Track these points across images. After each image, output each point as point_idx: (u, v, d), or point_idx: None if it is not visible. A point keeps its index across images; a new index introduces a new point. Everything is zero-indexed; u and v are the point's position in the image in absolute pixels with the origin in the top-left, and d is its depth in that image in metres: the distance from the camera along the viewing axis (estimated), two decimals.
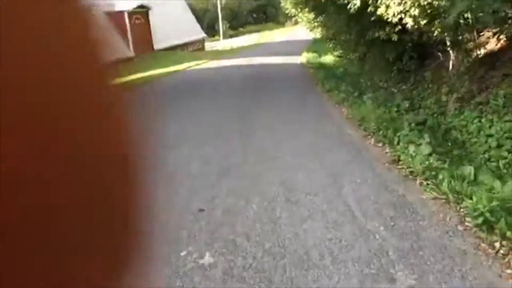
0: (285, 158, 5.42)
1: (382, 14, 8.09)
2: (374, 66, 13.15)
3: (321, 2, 14.71)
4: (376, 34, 9.26)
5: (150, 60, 26.37)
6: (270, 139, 6.29)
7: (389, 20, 8.15)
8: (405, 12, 7.56)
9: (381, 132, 5.95)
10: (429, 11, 7.09)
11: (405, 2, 7.35)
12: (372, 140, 5.86)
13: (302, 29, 47.61)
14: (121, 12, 27.63)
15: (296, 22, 62.20)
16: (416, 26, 7.70)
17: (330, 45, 20.01)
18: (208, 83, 14.01)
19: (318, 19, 17.26)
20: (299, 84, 12.46)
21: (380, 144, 5.66)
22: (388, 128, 5.97)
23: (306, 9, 19.58)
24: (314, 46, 28.26)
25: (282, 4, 28.68)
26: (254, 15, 68.91)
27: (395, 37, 8.97)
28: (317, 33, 22.65)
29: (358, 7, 8.62)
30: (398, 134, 5.72)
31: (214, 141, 6.43)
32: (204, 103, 9.97)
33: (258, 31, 56.42)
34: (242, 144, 6.14)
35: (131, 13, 28.03)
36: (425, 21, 7.32)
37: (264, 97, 10.30)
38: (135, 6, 28.45)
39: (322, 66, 16.81)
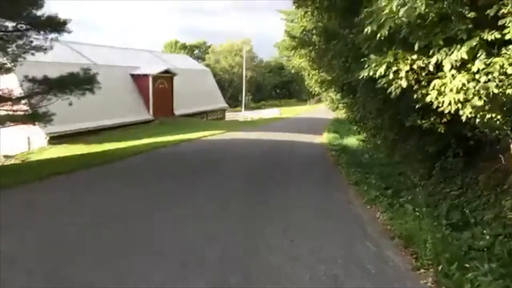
0: None
1: (432, 101, 6.41)
2: (407, 158, 11.35)
3: (350, 83, 13.40)
4: (418, 122, 7.56)
5: (167, 125, 25.28)
6: (277, 259, 4.40)
7: (439, 108, 6.44)
8: (464, 102, 5.87)
9: (440, 267, 4.01)
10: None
11: (467, 89, 5.68)
12: (430, 279, 3.90)
13: (324, 108, 47.22)
14: (146, 76, 27.16)
15: (319, 100, 62.34)
16: (476, 119, 5.97)
17: (355, 128, 18.54)
18: (217, 159, 12.35)
19: (344, 100, 15.89)
20: (320, 172, 10.67)
21: None
22: (451, 262, 4.04)
23: (332, 89, 18.41)
24: (336, 126, 26.93)
25: (307, 82, 28.03)
26: (278, 90, 69.38)
27: (442, 129, 7.23)
28: (341, 114, 21.35)
29: (400, 91, 6.95)
30: (469, 275, 3.78)
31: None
32: (203, 188, 8.30)
33: (280, 105, 56.09)
34: (233, 270, 4.21)
35: (155, 77, 27.50)
36: (492, 115, 5.60)
37: (278, 186, 8.56)
38: (160, 71, 28.01)
39: (344, 150, 15.11)
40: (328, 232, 5.42)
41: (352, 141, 18.78)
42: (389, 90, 6.95)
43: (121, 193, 7.74)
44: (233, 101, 54.86)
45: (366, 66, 6.72)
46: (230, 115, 42.24)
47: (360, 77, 6.54)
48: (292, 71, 27.16)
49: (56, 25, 10.68)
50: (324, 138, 20.25)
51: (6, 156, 19.04)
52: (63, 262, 4.26)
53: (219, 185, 8.76)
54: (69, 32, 11.17)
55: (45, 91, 10.78)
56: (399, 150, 12.11)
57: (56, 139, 20.48)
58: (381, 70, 6.22)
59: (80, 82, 10.91)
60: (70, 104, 11.44)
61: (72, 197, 7.49)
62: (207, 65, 48.43)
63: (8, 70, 12.57)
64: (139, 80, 27.26)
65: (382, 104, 9.12)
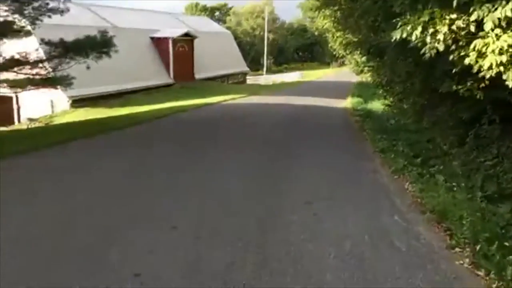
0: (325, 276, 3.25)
1: (471, 63, 5.84)
2: (437, 124, 10.79)
3: (379, 45, 12.66)
4: (453, 88, 6.99)
5: (188, 89, 24.97)
6: (298, 235, 4.11)
7: (480, 72, 5.89)
8: (508, 64, 5.30)
9: (479, 247, 3.64)
10: None
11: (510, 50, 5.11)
12: (467, 260, 3.54)
13: (347, 71, 45.89)
14: (166, 39, 26.62)
15: (342, 64, 60.73)
16: None
17: (380, 92, 17.83)
18: (237, 123, 12.04)
19: (370, 63, 15.16)
20: (344, 138, 10.23)
21: (482, 272, 3.35)
22: (491, 241, 3.67)
23: (357, 51, 17.60)
24: (359, 90, 26.11)
25: (330, 45, 27.01)
26: (300, 53, 67.73)
27: (480, 95, 6.67)
28: (367, 78, 20.56)
29: (435, 53, 6.36)
30: (510, 257, 3.41)
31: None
32: (220, 155, 7.98)
33: (302, 69, 54.86)
34: (250, 241, 3.99)
35: (175, 41, 26.93)
36: None
37: (299, 154, 8.15)
38: (180, 34, 27.39)
39: (369, 115, 14.53)
40: (353, 205, 5.05)
41: (377, 105, 18.11)
42: (422, 52, 6.38)
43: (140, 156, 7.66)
44: (255, 65, 53.88)
45: (398, 26, 6.16)
46: (251, 79, 41.57)
47: (393, 39, 5.99)
48: (316, 33, 26.07)
49: None
50: (348, 102, 19.64)
51: (30, 119, 19.18)
52: None
53: (246, 148, 8.57)
54: None
55: (62, 54, 10.53)
56: (428, 116, 11.53)
57: (78, 102, 20.46)
58: (417, 32, 5.65)
59: (96, 45, 10.59)
60: (88, 67, 11.19)
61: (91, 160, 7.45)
62: (228, 28, 47.32)
63: (28, 33, 12.32)
64: (159, 43, 26.77)
65: (413, 67, 8.55)
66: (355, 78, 34.67)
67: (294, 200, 5.20)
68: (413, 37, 5.68)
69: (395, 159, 7.36)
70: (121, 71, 23.23)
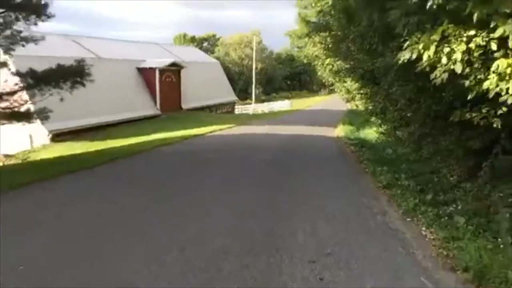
0: None
1: (490, 88, 5.08)
2: (438, 154, 10.03)
3: (373, 71, 12.01)
4: (467, 116, 6.20)
5: (174, 120, 24.12)
6: None
7: (501, 97, 5.13)
8: None
9: None
10: None
11: None
12: None
13: (336, 99, 45.62)
14: (152, 69, 25.95)
15: (331, 91, 60.72)
16: None
17: (372, 120, 17.15)
18: (224, 157, 10.99)
19: (363, 90, 14.51)
20: (343, 171, 9.30)
21: None
22: None
23: (349, 78, 17.02)
24: (350, 118, 25.51)
25: (319, 73, 26.58)
26: (288, 82, 67.78)
27: (498, 123, 5.89)
28: (358, 105, 19.95)
29: (446, 79, 5.55)
30: None
31: None
32: (204, 196, 6.90)
33: (291, 97, 54.60)
34: None
35: (162, 71, 26.28)
36: None
37: (296, 194, 7.14)
38: (167, 64, 26.77)
39: (364, 144, 13.75)
40: (367, 262, 4.09)
41: (369, 134, 17.41)
42: (433, 76, 5.58)
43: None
44: (243, 94, 53.52)
45: (405, 47, 5.40)
46: (240, 108, 40.96)
47: (400, 60, 5.22)
48: (305, 61, 25.65)
49: (34, 8, 9.46)
50: (340, 131, 18.91)
51: (6, 156, 18.03)
52: None
53: (232, 186, 7.58)
54: (50, 16, 9.92)
55: (32, 85, 9.64)
56: (429, 145, 10.78)
57: (60, 135, 19.43)
58: (429, 52, 4.87)
59: (68, 74, 9.72)
60: (61, 99, 10.29)
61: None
62: (217, 58, 47.06)
63: (3, 65, 11.47)
64: (145, 73, 26.08)
65: (415, 93, 7.80)
66: (344, 106, 34.25)
67: (295, 259, 4.20)
68: (425, 58, 4.91)
69: (402, 196, 6.49)
70: (106, 103, 22.41)
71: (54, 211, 5.96)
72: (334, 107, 37.14)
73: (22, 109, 11.20)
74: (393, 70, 8.81)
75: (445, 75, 5.41)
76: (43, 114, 12.29)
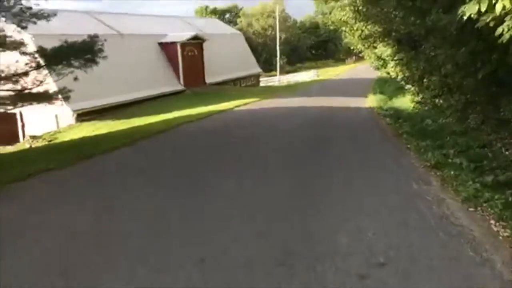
0: None
1: None
2: (488, 124, 8.94)
3: (410, 34, 10.79)
4: None
5: (199, 95, 23.40)
6: None
7: None
8: None
9: None
10: None
11: None
12: None
13: (364, 67, 43.70)
14: (174, 44, 25.08)
15: (358, 59, 58.55)
16: None
17: (408, 88, 15.89)
18: (248, 135, 10.11)
19: (398, 56, 13.26)
20: (382, 148, 8.26)
21: None
22: None
23: (381, 43, 15.71)
24: (380, 86, 24.12)
25: (347, 40, 25.09)
26: (313, 51, 65.59)
27: None
28: (391, 73, 18.60)
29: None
30: None
31: None
32: (224, 185, 6.00)
33: (317, 67, 52.82)
34: None
35: (183, 45, 25.39)
36: None
37: (331, 175, 6.31)
38: (189, 37, 25.82)
39: (400, 115, 12.61)
40: (433, 270, 3.23)
41: (403, 102, 16.20)
42: (499, 32, 4.50)
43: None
44: (268, 66, 52.11)
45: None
46: (265, 81, 39.81)
47: (466, 16, 4.18)
48: (331, 28, 24.17)
49: None
50: (372, 100, 17.72)
51: (33, 137, 17.82)
52: None
53: (253, 172, 6.80)
54: None
55: (42, 64, 8.99)
56: (477, 114, 9.65)
57: (84, 115, 19.07)
58: (505, 1, 3.82)
59: (78, 51, 9.02)
60: (75, 78, 9.64)
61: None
62: (239, 29, 45.63)
63: (20, 45, 10.86)
64: (167, 48, 25.26)
65: (469, 56, 6.68)
66: (373, 74, 32.63)
67: (340, 272, 3.36)
68: (498, 9, 3.86)
69: (457, 178, 5.54)
70: (129, 80, 21.85)
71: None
72: (362, 76, 35.53)
73: (41, 89, 10.70)
74: (438, 31, 7.70)
75: None
76: (63, 94, 11.76)
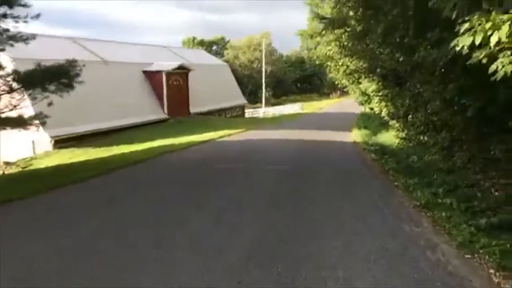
0: None
1: None
2: (475, 163, 8.74)
3: (396, 71, 10.72)
4: None
5: (182, 124, 23.04)
6: None
7: None
8: None
9: None
10: None
11: None
12: None
13: (348, 102, 44.15)
14: (159, 72, 24.90)
15: (342, 94, 59.36)
16: None
17: (392, 124, 15.84)
18: (229, 169, 9.68)
19: (383, 92, 13.19)
20: (369, 186, 7.82)
21: None
22: None
23: (365, 79, 15.72)
24: (364, 121, 24.18)
25: (332, 74, 25.27)
26: (299, 85, 66.37)
27: None
28: (375, 108, 18.60)
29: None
30: None
31: None
32: (201, 221, 5.57)
33: (301, 100, 53.26)
34: None
35: (169, 74, 25.21)
36: None
37: (314, 216, 5.80)
38: (174, 67, 25.68)
39: (385, 151, 12.44)
40: None
41: (388, 138, 16.10)
42: (493, 69, 4.28)
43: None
44: (253, 97, 52.35)
45: (462, 31, 4.13)
46: (250, 112, 39.77)
47: (458, 48, 3.96)
48: (316, 62, 24.37)
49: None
50: (356, 135, 17.60)
51: (7, 163, 17.04)
52: None
53: (230, 210, 6.35)
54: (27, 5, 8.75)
55: (14, 88, 8.55)
56: (463, 153, 9.45)
57: (62, 142, 18.41)
58: (501, 34, 3.62)
59: (52, 75, 8.61)
60: (50, 104, 9.19)
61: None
62: (226, 61, 45.94)
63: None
64: (152, 77, 25.05)
65: (458, 93, 6.50)
66: (357, 109, 32.88)
67: None
68: (493, 41, 3.64)
69: (449, 220, 5.22)
70: (111, 107, 21.41)
71: None
72: (346, 110, 35.81)
73: (15, 114, 10.20)
74: (426, 67, 7.58)
75: (510, 68, 4.14)
76: (40, 120, 11.26)
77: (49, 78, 8.70)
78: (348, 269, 3.93)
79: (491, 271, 3.75)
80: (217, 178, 8.79)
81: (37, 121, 11.58)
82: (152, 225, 5.48)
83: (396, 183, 7.74)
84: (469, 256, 4.11)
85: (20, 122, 9.89)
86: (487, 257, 4.01)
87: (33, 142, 18.55)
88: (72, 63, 9.19)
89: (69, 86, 9.06)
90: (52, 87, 8.83)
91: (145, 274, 3.89)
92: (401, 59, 8.69)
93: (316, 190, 7.61)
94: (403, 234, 4.87)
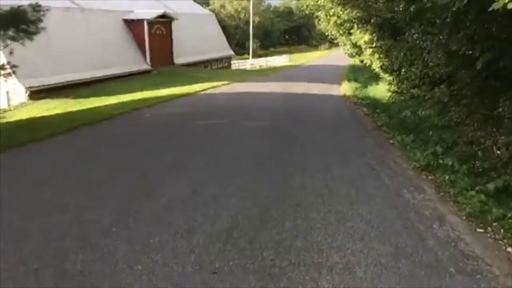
0: None
1: None
2: (472, 118, 8.20)
3: (391, 21, 9.86)
4: None
5: (165, 76, 21.93)
6: None
7: None
8: None
9: None
10: None
11: None
12: None
13: (337, 54, 42.93)
14: (140, 21, 23.36)
15: (331, 46, 57.87)
16: None
17: (385, 76, 15.10)
18: (214, 124, 8.92)
19: (377, 43, 12.32)
20: (362, 143, 7.16)
21: None
22: None
23: (358, 30, 14.74)
24: (354, 74, 23.32)
25: (321, 26, 24.03)
26: (287, 36, 64.32)
27: None
28: (366, 60, 17.75)
29: None
30: None
31: None
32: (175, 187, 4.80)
33: (289, 52, 51.73)
34: None
35: (151, 23, 23.70)
36: None
37: (301, 183, 5.01)
38: (156, 15, 24.10)
39: (376, 105, 11.80)
40: None
41: (378, 91, 15.42)
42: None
43: None
44: (240, 49, 50.62)
45: None
46: (237, 63, 38.43)
47: None
48: (306, 12, 23.10)
49: None
50: (346, 88, 16.87)
51: None
52: None
53: (215, 168, 5.70)
54: None
55: None
56: (461, 108, 8.86)
57: (40, 93, 17.32)
58: None
59: (10, 22, 7.51)
60: (11, 52, 8.17)
61: None
62: (212, 11, 43.76)
63: None
64: (133, 26, 23.52)
65: (466, 43, 5.77)
66: (346, 61, 31.93)
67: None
68: None
69: (454, 185, 4.66)
70: (91, 57, 20.12)
71: None
72: (335, 62, 34.79)
73: None
74: (426, 17, 6.80)
75: None
76: (7, 69, 10.26)
77: (5, 24, 7.61)
78: (347, 256, 3.28)
79: (509, 249, 3.21)
80: (199, 134, 8.05)
81: (7, 71, 10.58)
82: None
83: (391, 141, 7.13)
84: (481, 230, 3.57)
85: None
86: (502, 231, 3.47)
87: (7, 93, 17.44)
88: (35, 8, 8.06)
89: (29, 33, 7.98)
90: (10, 33, 7.77)
91: None
92: (400, 7, 7.83)
93: (304, 151, 6.85)
94: (404, 203, 4.27)
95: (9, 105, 17.37)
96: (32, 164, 6.06)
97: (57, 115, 11.90)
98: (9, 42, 8.07)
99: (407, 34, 8.80)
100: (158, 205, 4.26)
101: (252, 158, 6.28)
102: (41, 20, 8.06)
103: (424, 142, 7.23)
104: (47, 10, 8.40)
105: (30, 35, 8.01)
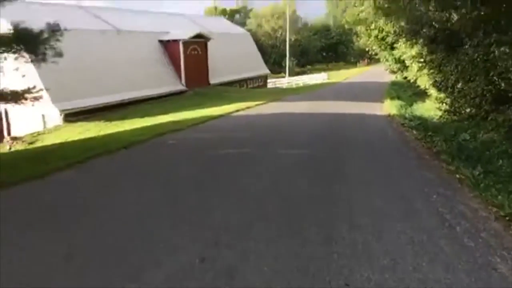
0: None
1: None
2: None
3: (446, 31, 8.56)
4: None
5: (201, 96, 21.37)
6: None
7: None
8: None
9: None
10: None
11: None
12: None
13: (376, 70, 41.22)
14: (176, 41, 23.06)
15: (370, 63, 56.05)
16: None
17: (433, 93, 13.65)
18: (246, 155, 7.74)
19: (426, 58, 10.98)
20: (420, 179, 5.72)
21: None
22: None
23: (404, 45, 13.42)
24: (396, 91, 21.78)
25: (361, 41, 22.81)
26: (324, 53, 63.13)
27: None
28: (410, 76, 16.31)
29: None
30: None
31: None
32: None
33: (327, 69, 50.48)
34: None
35: (186, 43, 23.36)
36: None
37: (343, 237, 3.80)
38: (192, 35, 23.74)
39: (427, 127, 10.35)
40: None
41: (425, 110, 13.94)
42: None
43: None
44: (277, 67, 49.91)
45: None
46: (273, 82, 37.60)
47: None
48: (346, 27, 21.97)
49: None
50: (389, 107, 15.47)
51: (14, 138, 15.87)
52: None
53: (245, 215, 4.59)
54: None
55: None
56: None
57: (74, 115, 17.11)
58: None
59: (19, 42, 6.86)
60: (23, 75, 7.58)
61: None
62: (249, 30, 43.45)
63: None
64: (168, 46, 23.26)
65: None
66: (386, 78, 30.28)
67: None
68: None
69: None
70: (126, 79, 19.90)
71: None
72: (375, 79, 33.24)
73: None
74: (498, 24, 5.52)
75: None
76: (36, 93, 9.80)
77: (6, 44, 6.99)
78: None
79: None
80: (230, 164, 6.99)
81: (34, 95, 10.13)
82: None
83: (457, 176, 5.77)
84: None
85: (15, 96, 8.35)
86: None
87: (43, 116, 17.35)
88: (54, 28, 7.41)
89: (36, 54, 7.29)
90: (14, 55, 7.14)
91: None
92: (463, 11, 6.59)
93: (349, 192, 5.31)
94: (499, 278, 2.98)
95: (44, 127, 17.24)
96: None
97: (88, 139, 11.27)
98: (27, 63, 7.49)
99: (468, 45, 7.48)
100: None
101: (272, 205, 4.89)
102: (49, 40, 7.32)
103: (497, 175, 5.86)
104: (65, 29, 7.73)
105: (36, 56, 7.32)
